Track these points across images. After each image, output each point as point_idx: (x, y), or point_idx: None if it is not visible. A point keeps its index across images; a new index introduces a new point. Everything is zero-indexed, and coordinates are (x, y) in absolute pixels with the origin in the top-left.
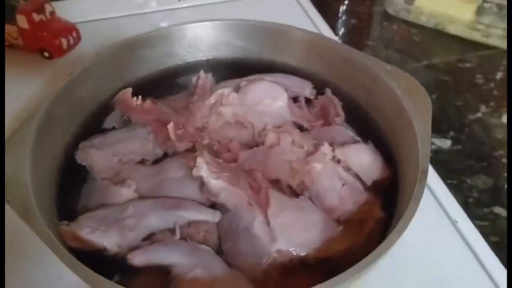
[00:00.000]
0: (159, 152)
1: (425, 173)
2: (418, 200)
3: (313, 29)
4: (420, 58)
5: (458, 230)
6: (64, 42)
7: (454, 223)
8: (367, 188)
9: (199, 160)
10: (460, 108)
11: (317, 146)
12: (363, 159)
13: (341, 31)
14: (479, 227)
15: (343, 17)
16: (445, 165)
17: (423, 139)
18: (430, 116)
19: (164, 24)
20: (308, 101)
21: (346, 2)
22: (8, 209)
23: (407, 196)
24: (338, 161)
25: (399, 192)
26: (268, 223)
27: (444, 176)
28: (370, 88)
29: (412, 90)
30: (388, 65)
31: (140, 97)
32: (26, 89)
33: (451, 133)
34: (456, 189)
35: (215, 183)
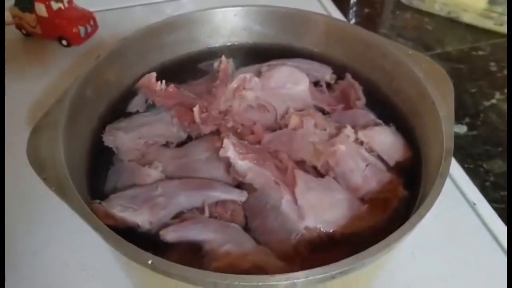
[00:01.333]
0: (183, 135)
1: (449, 152)
2: (444, 176)
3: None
4: (434, 46)
5: (476, 213)
6: (82, 30)
7: (472, 205)
8: (390, 168)
9: (226, 141)
10: (474, 95)
11: (339, 129)
12: (386, 140)
13: (354, 19)
14: (496, 210)
15: (356, 6)
16: (462, 151)
17: (446, 119)
18: (453, 97)
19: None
20: (328, 85)
21: None
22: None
23: (432, 174)
24: (361, 143)
25: (423, 172)
26: (295, 201)
27: (461, 161)
28: (390, 71)
29: (434, 73)
30: (409, 49)
31: (164, 81)
32: (44, 77)
33: (467, 119)
34: (473, 173)
35: (242, 163)
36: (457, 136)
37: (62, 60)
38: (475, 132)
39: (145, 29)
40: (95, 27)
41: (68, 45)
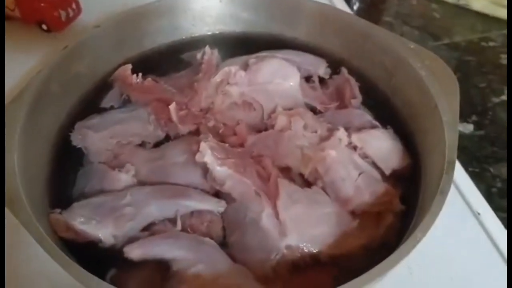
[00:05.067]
0: (161, 134)
1: (452, 164)
2: (445, 194)
3: (326, 3)
4: (441, 36)
5: (481, 223)
6: (63, 14)
7: (476, 215)
8: (385, 177)
9: (203, 145)
10: (483, 90)
11: (331, 131)
12: (382, 145)
13: (356, 5)
14: (502, 220)
15: None
16: (466, 152)
17: (449, 125)
18: (458, 100)
19: None
20: (321, 80)
21: None
22: None
23: (431, 188)
24: (355, 148)
25: (421, 183)
26: (277, 215)
27: (466, 164)
28: (390, 68)
29: (438, 71)
30: (411, 43)
31: (140, 74)
32: (22, 64)
33: (474, 117)
34: (479, 178)
35: (220, 170)
36: (462, 136)
37: (42, 46)
38: (482, 132)
39: (120, 15)
40: (77, 10)
41: (49, 30)
